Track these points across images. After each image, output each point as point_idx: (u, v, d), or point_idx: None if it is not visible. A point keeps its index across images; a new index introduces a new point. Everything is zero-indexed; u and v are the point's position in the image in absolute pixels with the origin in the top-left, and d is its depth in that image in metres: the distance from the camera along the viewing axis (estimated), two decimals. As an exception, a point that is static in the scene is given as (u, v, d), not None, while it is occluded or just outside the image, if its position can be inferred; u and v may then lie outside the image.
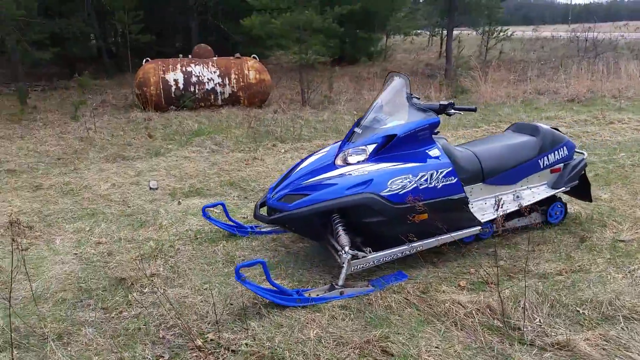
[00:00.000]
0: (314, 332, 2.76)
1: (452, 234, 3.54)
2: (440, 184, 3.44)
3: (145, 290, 3.27)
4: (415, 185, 3.36)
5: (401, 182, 3.33)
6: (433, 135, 3.87)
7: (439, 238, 3.50)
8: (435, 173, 3.43)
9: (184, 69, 10.31)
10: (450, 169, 3.48)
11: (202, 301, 3.12)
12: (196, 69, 10.34)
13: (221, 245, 3.95)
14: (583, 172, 4.23)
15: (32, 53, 10.83)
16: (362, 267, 3.31)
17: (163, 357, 2.60)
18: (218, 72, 10.39)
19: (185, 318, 2.90)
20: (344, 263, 3.23)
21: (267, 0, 10.10)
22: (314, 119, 9.16)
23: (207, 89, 10.35)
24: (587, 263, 3.61)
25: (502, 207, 3.83)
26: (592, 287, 3.25)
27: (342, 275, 3.23)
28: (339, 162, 3.59)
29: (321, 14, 10.15)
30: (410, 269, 3.56)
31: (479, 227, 3.67)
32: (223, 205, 4.16)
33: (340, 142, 3.87)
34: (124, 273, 3.44)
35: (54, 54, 11.76)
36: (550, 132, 4.14)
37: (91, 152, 6.97)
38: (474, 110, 3.95)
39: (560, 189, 4.13)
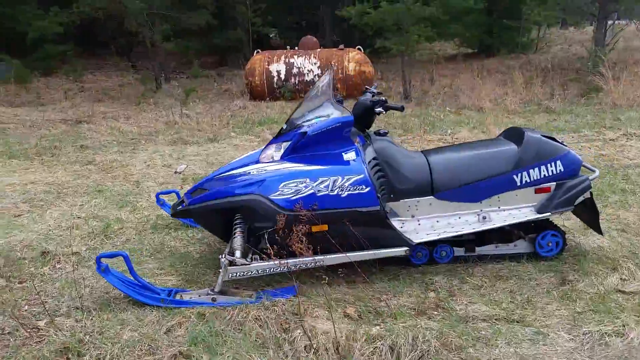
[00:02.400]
0: (131, 334, 2.62)
1: (363, 252, 3.05)
2: (346, 193, 2.97)
3: (59, 266, 3.45)
4: (312, 191, 2.96)
5: (295, 186, 2.96)
6: (379, 134, 3.39)
7: (350, 254, 3.03)
8: (340, 179, 2.97)
9: (287, 60, 10.55)
10: (361, 176, 2.98)
11: (88, 285, 3.18)
12: (298, 61, 10.51)
13: (165, 233, 3.97)
14: (586, 196, 3.28)
15: (160, 45, 12.05)
16: (243, 275, 3.02)
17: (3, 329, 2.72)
18: (318, 64, 10.41)
19: (44, 299, 2.99)
20: (220, 269, 3.00)
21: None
22: (398, 114, 8.63)
23: (306, 80, 10.45)
24: (539, 313, 2.81)
25: (454, 229, 3.20)
26: (511, 345, 2.54)
27: (219, 282, 2.99)
28: (262, 158, 3.33)
29: (425, 3, 9.45)
30: (313, 285, 3.15)
31: (406, 249, 3.09)
32: (177, 193, 4.17)
33: None
34: (57, 247, 3.67)
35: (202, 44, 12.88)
36: (537, 141, 3.28)
37: (162, 135, 7.54)
38: (401, 109, 3.33)
39: (545, 215, 3.26)
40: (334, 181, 2.97)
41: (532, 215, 3.26)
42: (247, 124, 8.17)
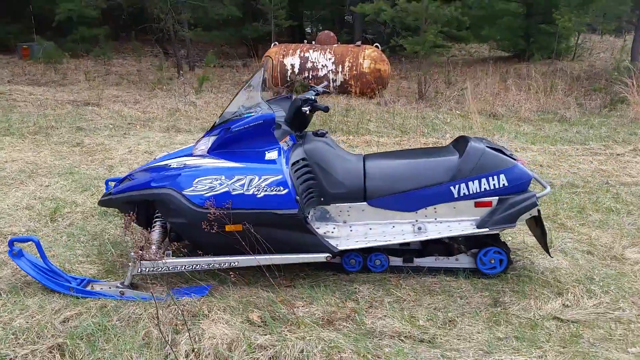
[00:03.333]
0: (25, 320, 2.57)
1: (281, 256, 2.91)
2: (262, 193, 2.84)
3: (-5, 246, 3.47)
4: (226, 189, 2.83)
5: (210, 182, 2.85)
6: (317, 134, 3.24)
7: (266, 257, 2.90)
8: (256, 179, 2.84)
9: (302, 54, 10.43)
10: (279, 177, 2.84)
11: (13, 267, 3.16)
12: (313, 55, 10.37)
13: (109, 221, 3.94)
14: (533, 213, 3.02)
15: (184, 33, 12.16)
16: (153, 270, 2.93)
17: None
18: (333, 59, 10.24)
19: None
20: (130, 262, 2.92)
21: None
22: (406, 114, 8.38)
23: (319, 75, 10.30)
24: (454, 335, 2.60)
25: (385, 238, 3.02)
26: (408, 366, 2.36)
27: (128, 275, 2.92)
28: (194, 151, 3.23)
29: (446, 2, 9.13)
30: (229, 286, 3.03)
31: (327, 255, 2.93)
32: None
33: None
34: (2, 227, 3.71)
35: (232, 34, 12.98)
36: (479, 152, 3.03)
37: (159, 121, 7.57)
38: (325, 109, 3.15)
39: (483, 230, 3.03)
40: (251, 180, 2.84)
41: (470, 230, 3.03)
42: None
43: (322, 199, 3.11)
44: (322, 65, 10.27)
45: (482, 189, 3.00)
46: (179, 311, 2.67)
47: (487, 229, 3.00)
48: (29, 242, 3.00)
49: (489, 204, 3.04)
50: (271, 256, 2.88)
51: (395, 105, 9.16)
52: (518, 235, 3.76)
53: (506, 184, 2.98)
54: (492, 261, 3.14)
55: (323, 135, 3.25)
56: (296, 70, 10.36)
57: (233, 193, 2.82)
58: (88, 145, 6.17)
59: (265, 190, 2.83)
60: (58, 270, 2.96)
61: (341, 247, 2.97)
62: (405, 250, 3.25)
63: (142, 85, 11.04)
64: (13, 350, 2.35)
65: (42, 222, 3.84)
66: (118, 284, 2.92)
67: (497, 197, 3.02)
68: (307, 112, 3.06)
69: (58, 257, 3.33)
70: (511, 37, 14.80)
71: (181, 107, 8.40)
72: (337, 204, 3.12)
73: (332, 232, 3.13)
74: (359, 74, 10.06)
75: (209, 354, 2.35)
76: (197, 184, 2.85)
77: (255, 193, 2.83)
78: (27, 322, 2.57)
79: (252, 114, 3.03)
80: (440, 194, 3.02)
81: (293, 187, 2.85)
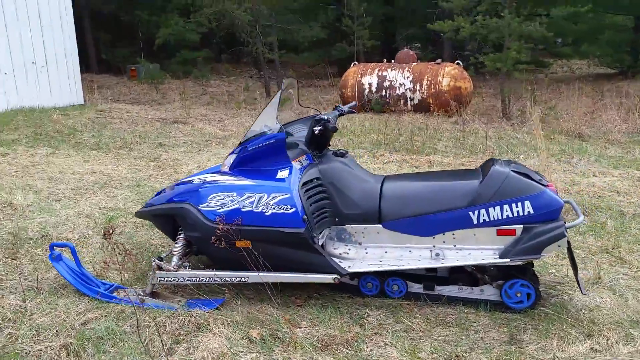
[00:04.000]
0: (50, 319, 2.81)
1: (288, 274, 2.93)
2: (270, 211, 2.87)
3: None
4: (237, 206, 2.91)
5: (223, 199, 2.94)
6: (336, 154, 3.24)
7: (271, 275, 2.93)
8: (265, 197, 2.88)
9: (380, 73, 10.44)
10: (287, 195, 2.86)
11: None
12: (391, 74, 10.33)
13: (155, 232, 4.18)
14: (561, 245, 2.75)
15: (269, 55, 12.66)
16: (170, 281, 3.06)
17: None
18: (411, 78, 10.12)
19: (16, 276, 3.33)
20: (150, 272, 3.08)
21: (461, 2, 9.20)
22: (481, 133, 8.04)
23: (397, 94, 10.22)
24: (455, 371, 2.44)
25: (400, 263, 2.93)
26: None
27: (149, 284, 3.08)
28: (222, 168, 3.36)
29: (528, 19, 8.66)
30: (242, 301, 3.09)
31: (335, 277, 2.88)
32: None
33: None
34: (59, 232, 4.08)
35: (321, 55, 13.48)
36: (501, 177, 2.82)
37: (235, 138, 7.93)
38: (334, 130, 3.08)
39: (504, 261, 2.81)
40: (260, 198, 2.89)
41: (491, 259, 2.83)
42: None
43: (336, 220, 3.09)
44: (400, 83, 10.19)
45: (505, 216, 2.80)
46: (188, 322, 2.78)
47: (507, 260, 2.79)
48: (67, 248, 3.28)
49: (512, 232, 2.83)
50: (277, 274, 2.91)
51: (474, 124, 8.81)
52: (562, 268, 3.45)
53: (531, 212, 2.76)
54: (519, 295, 2.91)
55: (343, 155, 3.23)
56: (373, 89, 10.36)
57: (243, 210, 2.90)
58: (163, 160, 6.63)
59: (274, 209, 2.86)
60: (90, 276, 3.21)
61: (352, 270, 2.91)
62: (427, 277, 3.11)
63: (230, 105, 11.64)
64: (30, 345, 2.58)
65: (96, 230, 4.17)
66: (140, 292, 3.09)
67: (522, 226, 2.80)
68: (317, 132, 3.07)
69: (99, 263, 3.60)
70: (615, 52, 13.65)
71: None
72: (352, 225, 3.08)
73: (347, 254, 3.08)
74: (437, 92, 9.83)
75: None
76: (212, 199, 2.96)
77: (264, 211, 2.88)
78: (52, 321, 2.81)
79: (268, 132, 3.10)
80: (458, 219, 2.87)
81: (302, 207, 2.86)
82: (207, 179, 3.10)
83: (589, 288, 3.18)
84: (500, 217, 2.80)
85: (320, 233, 3.01)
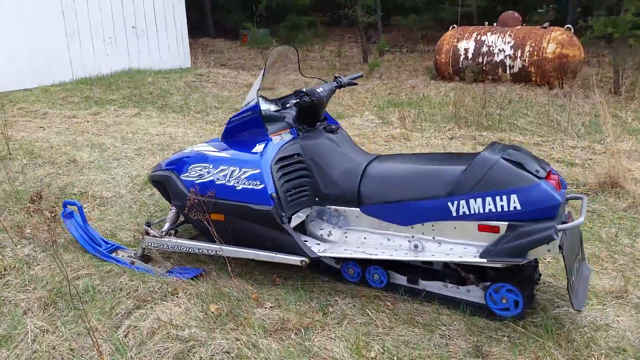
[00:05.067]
0: (50, 272, 3.04)
1: (254, 251, 2.87)
2: (240, 186, 2.80)
3: (85, 205, 4.15)
4: (212, 178, 2.89)
5: (200, 170, 2.94)
6: (327, 129, 3.05)
7: (249, 250, 2.89)
8: (237, 171, 2.82)
9: (478, 37, 9.65)
10: (257, 171, 2.76)
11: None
12: (490, 39, 9.50)
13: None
14: (551, 250, 2.33)
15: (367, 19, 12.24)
16: (157, 247, 3.15)
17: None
18: (512, 43, 9.23)
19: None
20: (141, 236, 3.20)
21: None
22: (579, 110, 7.12)
23: (495, 61, 9.39)
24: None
25: (376, 251, 2.73)
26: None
27: (139, 247, 3.21)
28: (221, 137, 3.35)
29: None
30: (222, 273, 3.09)
31: (302, 259, 2.75)
32: None
33: None
34: (100, 190, 4.41)
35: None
36: (487, 165, 2.43)
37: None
38: (305, 104, 2.81)
39: (481, 261, 2.46)
40: (232, 172, 2.83)
41: (469, 257, 2.50)
42: (390, 104, 7.88)
43: (316, 199, 2.93)
44: (498, 49, 9.33)
45: (487, 210, 2.44)
46: (157, 288, 2.86)
47: (484, 260, 2.44)
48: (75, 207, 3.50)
49: (495, 229, 2.46)
50: (246, 250, 2.86)
51: (576, 98, 7.81)
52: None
53: (518, 207, 2.37)
54: (504, 301, 2.55)
55: (332, 131, 3.03)
56: (469, 55, 9.62)
57: (217, 183, 2.87)
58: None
59: (244, 183, 2.79)
60: (95, 234, 3.42)
61: (322, 254, 2.77)
62: (412, 269, 2.86)
63: (322, 71, 11.57)
64: (14, 294, 2.83)
65: (132, 191, 4.43)
66: (132, 254, 3.24)
67: (507, 223, 2.42)
68: (291, 105, 2.89)
69: (119, 221, 3.83)
70: None
71: (337, 93, 8.58)
72: (333, 206, 2.91)
73: (328, 235, 2.93)
74: (540, 59, 8.85)
75: (133, 334, 2.46)
76: (192, 170, 2.97)
77: (235, 185, 2.82)
78: (46, 274, 3.04)
79: (248, 104, 3.00)
80: (437, 209, 2.56)
81: (272, 183, 2.75)
82: (196, 149, 3.11)
83: (607, 302, 2.70)
84: (482, 211, 2.45)
85: (295, 212, 2.88)
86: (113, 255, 3.28)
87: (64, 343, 2.42)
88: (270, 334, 2.52)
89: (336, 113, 7.37)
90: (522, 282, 2.56)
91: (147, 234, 3.15)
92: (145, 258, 3.25)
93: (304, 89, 2.91)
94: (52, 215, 2.35)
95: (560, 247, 2.32)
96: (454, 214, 2.51)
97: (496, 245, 2.44)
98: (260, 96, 3.11)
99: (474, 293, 2.67)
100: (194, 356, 2.30)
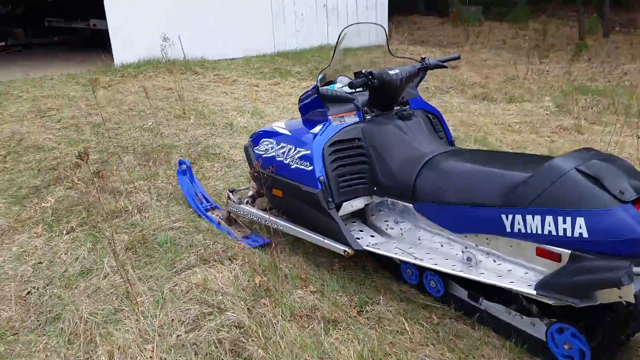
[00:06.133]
0: (139, 221, 3.43)
1: (306, 233, 2.79)
2: (294, 165, 2.73)
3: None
4: (274, 154, 2.89)
5: (267, 145, 2.96)
6: (397, 114, 2.80)
7: (299, 229, 2.85)
8: (293, 150, 2.76)
9: None
10: (307, 152, 2.65)
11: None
12: None
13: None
14: (623, 297, 1.73)
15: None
16: (235, 212, 3.28)
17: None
18: None
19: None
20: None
21: None
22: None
23: None
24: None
25: (426, 257, 2.45)
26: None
27: (226, 210, 3.39)
28: None
29: None
30: (284, 247, 3.09)
31: (345, 250, 2.57)
32: None
33: None
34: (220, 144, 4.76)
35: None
36: (555, 175, 1.87)
37: (482, 88, 7.22)
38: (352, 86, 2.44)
39: (532, 293, 1.95)
40: (289, 150, 2.78)
41: (520, 285, 2.03)
42: (579, 91, 6.72)
43: (374, 188, 2.69)
44: None
45: (546, 232, 1.94)
46: (220, 250, 3.01)
47: (534, 292, 1.96)
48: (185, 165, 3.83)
49: (555, 256, 1.95)
50: (294, 227, 2.84)
51: None
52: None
53: (584, 234, 1.83)
54: (567, 347, 2.03)
55: (405, 117, 2.72)
56: None
57: (277, 159, 2.85)
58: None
59: (297, 163, 2.72)
60: (200, 192, 3.71)
61: (367, 248, 2.56)
62: (475, 283, 2.45)
63: (522, 52, 10.46)
64: (114, 234, 3.25)
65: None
66: (220, 215, 3.45)
67: (569, 251, 1.90)
68: (356, 87, 2.64)
69: (233, 184, 4.10)
70: None
71: (522, 74, 7.69)
72: (390, 198, 2.65)
73: (386, 229, 2.70)
74: None
75: (174, 290, 2.63)
76: (262, 144, 3.00)
77: (290, 163, 2.77)
78: (145, 219, 3.41)
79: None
80: (489, 220, 2.13)
81: (322, 166, 2.61)
82: (272, 125, 3.13)
83: None
84: (540, 232, 1.96)
85: (348, 200, 2.69)
86: (208, 213, 3.53)
87: (124, 285, 2.71)
88: (295, 318, 2.44)
89: (507, 96, 6.62)
90: (592, 328, 1.99)
91: (229, 199, 3.31)
92: (231, 221, 3.42)
93: (371, 70, 2.66)
94: (97, 172, 2.59)
95: (636, 297, 1.73)
96: (509, 229, 2.06)
97: (556, 276, 1.93)
98: (340, 75, 2.97)
99: (538, 328, 2.18)
100: (206, 322, 2.36)
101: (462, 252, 2.31)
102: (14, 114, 5.68)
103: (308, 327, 2.38)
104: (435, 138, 2.76)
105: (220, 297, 2.55)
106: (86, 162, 2.55)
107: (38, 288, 2.73)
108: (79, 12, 12.23)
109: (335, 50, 2.87)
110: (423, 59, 2.91)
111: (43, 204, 3.66)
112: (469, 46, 11.03)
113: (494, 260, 2.20)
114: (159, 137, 5.01)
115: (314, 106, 2.82)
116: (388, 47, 3.06)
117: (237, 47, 9.74)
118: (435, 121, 2.98)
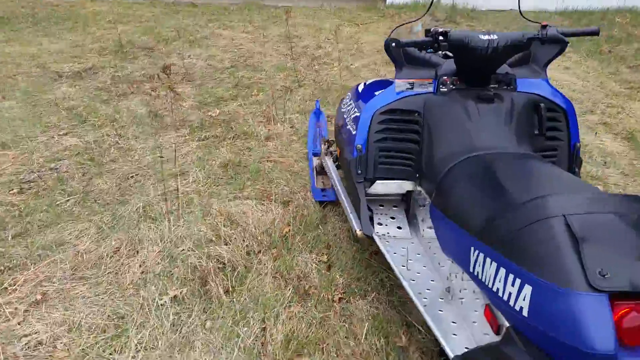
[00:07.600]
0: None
1: (344, 199, 2.56)
2: (348, 125, 2.44)
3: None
4: (344, 109, 2.64)
5: (346, 100, 2.72)
6: (479, 94, 2.17)
7: (340, 191, 2.65)
8: (352, 109, 2.47)
9: None
10: (357, 114, 2.31)
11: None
12: None
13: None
14: None
15: None
16: (323, 162, 3.15)
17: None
18: None
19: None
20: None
21: None
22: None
23: None
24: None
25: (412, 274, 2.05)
26: None
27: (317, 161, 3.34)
28: None
29: None
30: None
31: (358, 230, 2.25)
32: None
33: None
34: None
35: None
36: (529, 216, 1.23)
37: None
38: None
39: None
40: (352, 108, 2.49)
41: (451, 346, 1.49)
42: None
43: (417, 175, 2.22)
44: None
45: (495, 288, 1.35)
46: (290, 195, 3.03)
47: (449, 361, 1.42)
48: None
49: (495, 325, 1.38)
50: (340, 189, 2.66)
51: None
52: None
53: (524, 312, 1.21)
54: None
55: (481, 98, 2.08)
56: None
57: (343, 116, 2.62)
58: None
59: (349, 124, 2.44)
60: (318, 133, 3.68)
61: (375, 237, 2.23)
62: None
63: None
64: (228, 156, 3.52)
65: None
66: (315, 162, 3.39)
67: (508, 324, 1.31)
68: (419, 48, 2.10)
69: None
70: None
71: None
72: (422, 189, 2.18)
73: (415, 220, 2.31)
74: None
75: (224, 220, 2.75)
76: (345, 97, 2.78)
77: (347, 123, 2.50)
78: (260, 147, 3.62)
79: None
80: (462, 250, 1.58)
81: (365, 134, 2.24)
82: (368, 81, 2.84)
83: None
84: (490, 284, 1.37)
85: (383, 179, 2.28)
86: (313, 158, 3.51)
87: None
88: (299, 294, 2.32)
89: None
90: None
91: (314, 154, 3.25)
92: (323, 169, 3.33)
93: (446, 30, 2.05)
94: (173, 92, 2.78)
95: None
96: (471, 267, 1.50)
97: (478, 354, 1.37)
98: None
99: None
100: (205, 247, 2.45)
101: (448, 278, 1.80)
102: (268, 35, 6.45)
103: (309, 305, 2.23)
104: (519, 135, 2.05)
105: (232, 232, 2.59)
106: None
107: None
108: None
109: (430, 6, 2.35)
110: (544, 26, 2.13)
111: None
112: None
113: (460, 299, 1.67)
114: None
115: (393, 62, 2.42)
116: (519, 6, 2.33)
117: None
118: (558, 116, 2.20)
